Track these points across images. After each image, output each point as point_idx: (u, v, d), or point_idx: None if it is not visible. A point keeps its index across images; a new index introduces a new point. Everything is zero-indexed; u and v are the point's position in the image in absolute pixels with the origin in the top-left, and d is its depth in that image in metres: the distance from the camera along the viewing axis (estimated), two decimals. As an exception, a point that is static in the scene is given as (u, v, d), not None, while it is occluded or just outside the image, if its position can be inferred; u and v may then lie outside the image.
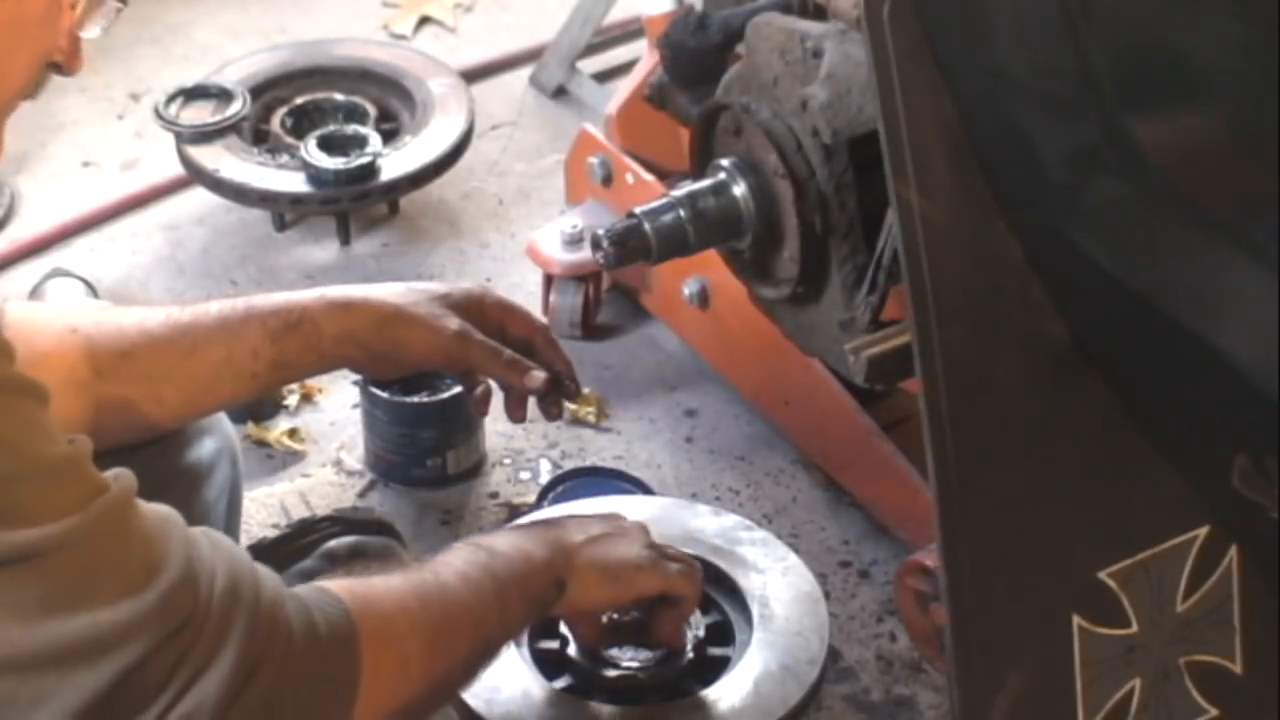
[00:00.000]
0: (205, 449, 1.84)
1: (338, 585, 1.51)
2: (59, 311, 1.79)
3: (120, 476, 1.40)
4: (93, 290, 2.48)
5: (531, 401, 1.89)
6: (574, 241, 2.43)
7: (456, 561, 1.63)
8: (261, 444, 2.35)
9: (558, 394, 1.89)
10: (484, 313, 1.88)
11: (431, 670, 1.54)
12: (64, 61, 1.50)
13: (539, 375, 1.86)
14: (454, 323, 1.84)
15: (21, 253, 2.64)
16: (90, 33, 1.51)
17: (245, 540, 2.03)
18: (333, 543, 2.05)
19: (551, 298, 2.47)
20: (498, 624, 1.64)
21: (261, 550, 2.04)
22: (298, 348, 1.80)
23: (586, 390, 2.41)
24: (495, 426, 2.34)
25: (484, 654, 1.64)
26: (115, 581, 1.34)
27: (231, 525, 1.91)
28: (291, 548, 2.05)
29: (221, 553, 1.42)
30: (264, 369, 1.79)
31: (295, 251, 2.65)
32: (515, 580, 1.65)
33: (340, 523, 2.08)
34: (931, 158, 1.53)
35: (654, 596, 1.82)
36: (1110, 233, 1.51)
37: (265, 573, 1.45)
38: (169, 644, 1.35)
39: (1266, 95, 1.35)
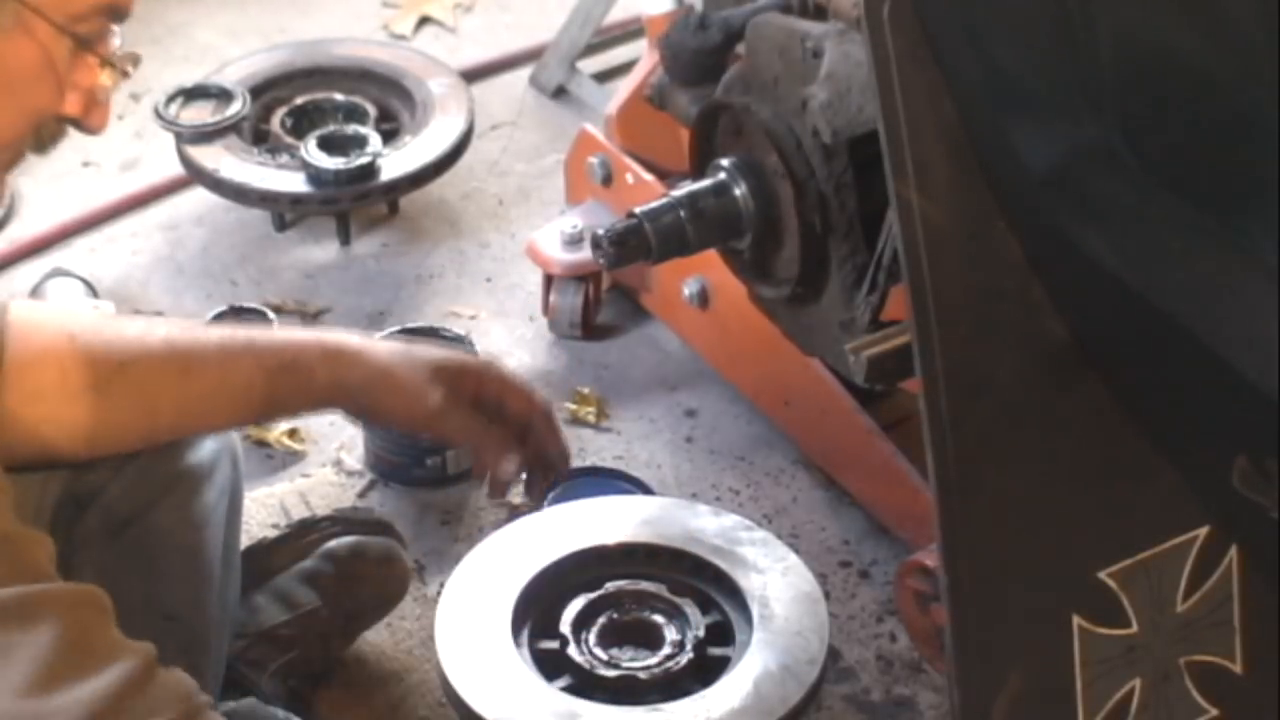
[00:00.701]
0: (205, 450, 1.84)
1: None
2: (61, 316, 1.78)
3: (89, 591, 1.38)
4: (93, 290, 2.48)
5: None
6: (574, 241, 2.43)
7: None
8: (261, 444, 2.35)
9: (545, 476, 1.85)
10: (482, 385, 1.82)
11: None
12: (80, 116, 1.51)
13: (510, 468, 1.81)
14: (436, 396, 1.78)
15: (21, 253, 2.64)
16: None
17: (245, 540, 2.03)
18: (333, 543, 2.05)
19: (551, 298, 2.47)
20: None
21: (262, 550, 2.05)
22: (290, 388, 1.77)
23: (586, 390, 2.41)
24: (495, 426, 2.34)
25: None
26: (38, 670, 1.32)
27: (232, 525, 1.91)
28: (291, 547, 2.05)
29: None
30: (257, 402, 1.77)
31: (295, 251, 2.65)
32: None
33: (340, 523, 2.09)
34: (931, 158, 1.53)
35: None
36: (1110, 233, 1.51)
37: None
38: None
39: (1267, 95, 1.35)
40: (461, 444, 1.82)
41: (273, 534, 2.10)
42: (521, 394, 1.84)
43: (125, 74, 1.53)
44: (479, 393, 1.81)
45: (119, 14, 1.50)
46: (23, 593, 1.33)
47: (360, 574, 2.04)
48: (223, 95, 2.63)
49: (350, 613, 2.04)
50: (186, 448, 1.83)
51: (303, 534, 2.07)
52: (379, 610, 2.08)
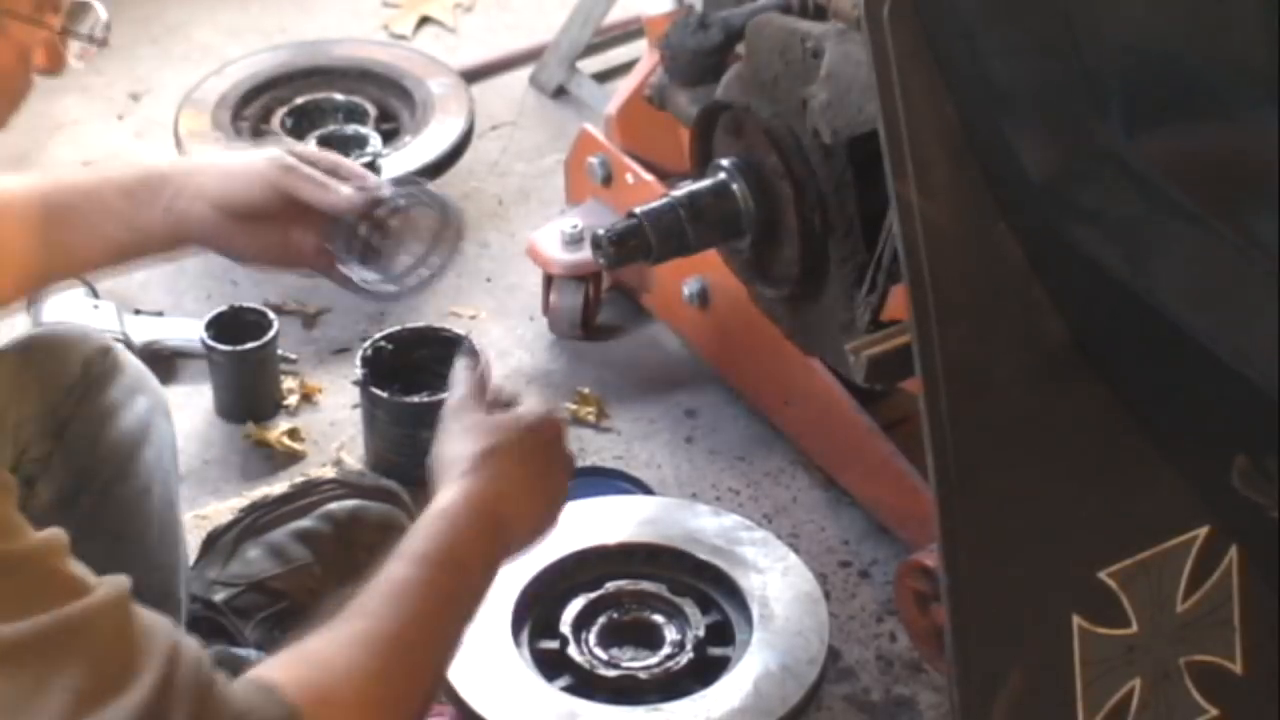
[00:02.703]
0: (139, 408, 1.86)
1: (286, 674, 1.44)
2: None
3: (106, 584, 1.37)
4: (93, 290, 2.48)
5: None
6: (574, 241, 2.43)
7: (401, 582, 1.55)
8: (261, 444, 2.35)
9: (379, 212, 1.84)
10: (311, 159, 1.87)
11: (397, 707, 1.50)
12: (47, 67, 1.52)
13: (347, 189, 1.81)
14: (276, 151, 1.84)
15: (21, 253, 2.63)
16: (73, 57, 1.53)
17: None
18: (333, 505, 2.06)
19: (551, 298, 2.47)
20: (462, 611, 1.58)
21: (264, 506, 2.06)
22: (146, 198, 1.79)
23: (586, 390, 2.41)
24: (495, 426, 2.34)
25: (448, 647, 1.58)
26: (65, 697, 1.31)
27: (174, 477, 1.93)
28: (293, 506, 2.06)
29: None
30: (115, 230, 1.79)
31: (295, 251, 2.65)
32: (461, 577, 1.58)
33: (344, 486, 2.09)
34: (931, 158, 1.53)
35: None
36: (1110, 233, 1.51)
37: (220, 684, 1.40)
38: None
39: (1266, 96, 1.35)
40: (297, 187, 1.82)
41: (276, 491, 2.11)
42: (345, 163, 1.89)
43: (103, 43, 1.54)
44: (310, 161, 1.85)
45: None
46: (46, 628, 1.32)
47: (357, 537, 2.05)
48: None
49: (345, 576, 2.04)
50: (118, 410, 1.85)
51: (306, 493, 2.08)
52: None
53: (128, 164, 1.84)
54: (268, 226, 1.82)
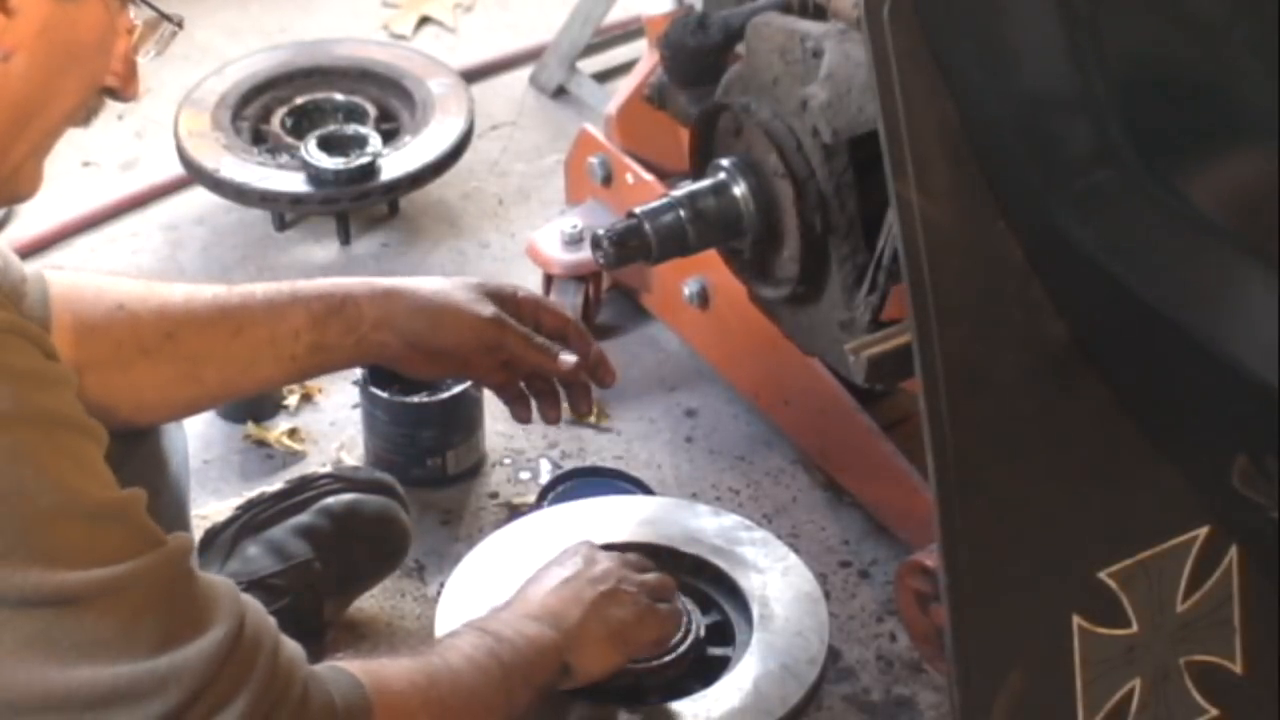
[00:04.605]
0: None
1: (351, 664, 1.54)
2: (107, 285, 1.81)
3: (177, 536, 1.43)
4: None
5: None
6: (574, 241, 2.43)
7: (464, 646, 1.65)
8: (261, 444, 2.35)
9: (591, 380, 1.96)
10: (518, 305, 1.93)
11: None
12: (119, 86, 1.51)
13: (570, 359, 1.91)
14: (490, 308, 1.89)
15: (21, 253, 2.59)
16: (145, 56, 1.52)
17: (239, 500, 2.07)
18: (330, 499, 2.06)
19: (551, 298, 2.47)
20: (504, 709, 1.66)
21: (260, 502, 2.06)
22: (338, 330, 1.83)
23: (586, 390, 2.41)
24: (495, 426, 2.34)
25: None
26: (154, 635, 1.37)
27: (187, 461, 1.95)
28: (290, 502, 2.06)
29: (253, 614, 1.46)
30: (303, 351, 1.83)
31: (295, 251, 2.65)
32: (520, 668, 1.68)
33: (340, 480, 2.10)
34: (931, 158, 1.53)
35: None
36: (1110, 233, 1.51)
37: (289, 641, 1.48)
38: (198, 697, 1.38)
39: (1266, 98, 1.35)
40: (518, 352, 1.90)
41: (273, 488, 2.12)
42: (553, 309, 1.97)
43: (179, 25, 1.53)
44: (516, 311, 1.92)
45: None
46: (141, 570, 1.37)
47: (356, 531, 2.05)
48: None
49: (344, 571, 2.05)
50: None
51: (302, 489, 2.09)
52: (376, 571, 2.09)
53: (319, 285, 1.86)
54: (450, 357, 1.90)
